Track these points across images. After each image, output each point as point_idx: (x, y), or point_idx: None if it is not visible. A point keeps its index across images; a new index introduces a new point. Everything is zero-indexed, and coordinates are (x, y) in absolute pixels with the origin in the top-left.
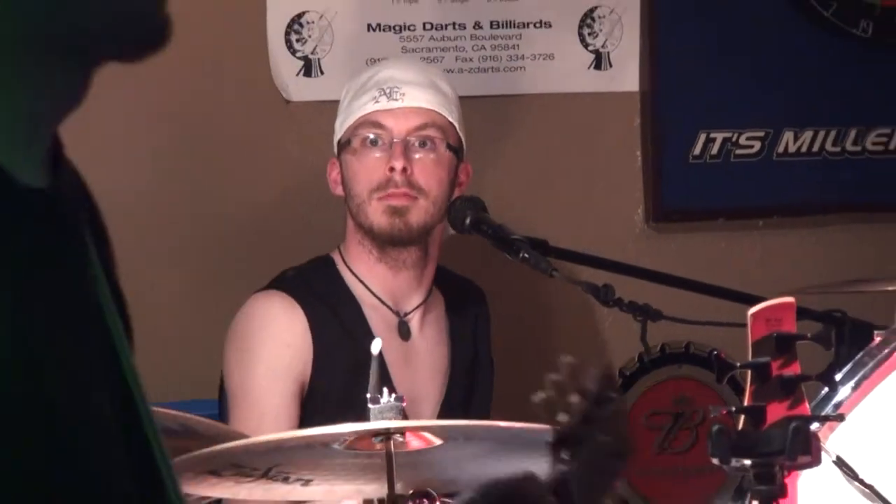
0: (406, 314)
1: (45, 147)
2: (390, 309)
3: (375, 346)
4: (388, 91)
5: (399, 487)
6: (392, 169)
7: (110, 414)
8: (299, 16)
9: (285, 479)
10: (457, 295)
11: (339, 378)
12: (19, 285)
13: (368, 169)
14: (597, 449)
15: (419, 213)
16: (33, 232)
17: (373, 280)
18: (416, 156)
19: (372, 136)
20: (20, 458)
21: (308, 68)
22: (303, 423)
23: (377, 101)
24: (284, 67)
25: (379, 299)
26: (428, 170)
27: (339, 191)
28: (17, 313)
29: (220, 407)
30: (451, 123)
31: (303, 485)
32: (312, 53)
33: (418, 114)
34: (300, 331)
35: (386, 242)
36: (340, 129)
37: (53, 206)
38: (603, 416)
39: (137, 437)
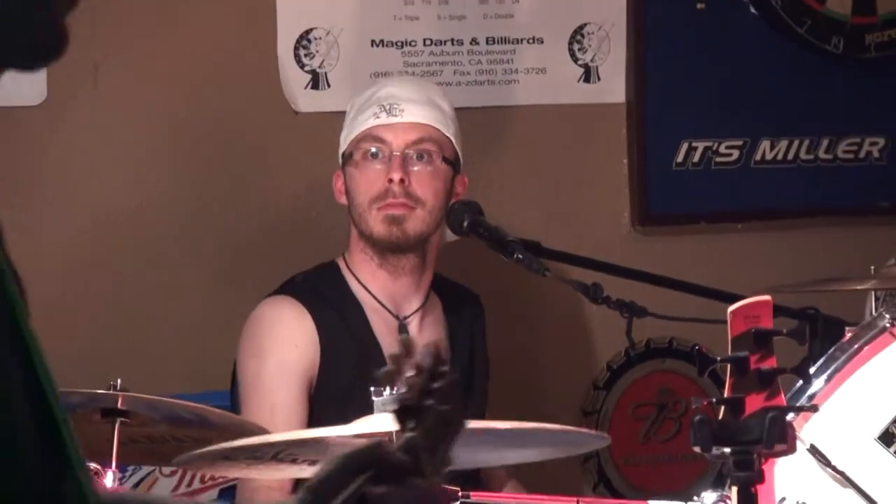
0: (405, 317)
1: None
2: (390, 312)
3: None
4: (388, 107)
5: None
6: (391, 180)
7: (13, 369)
8: (307, 32)
9: (293, 461)
10: (454, 300)
11: (344, 375)
12: None
13: (369, 180)
14: (437, 416)
15: (416, 222)
16: None
17: (374, 285)
18: (414, 168)
19: (373, 149)
20: None
21: (316, 81)
22: (311, 415)
23: (377, 117)
24: (293, 81)
25: (380, 303)
26: (425, 181)
27: (343, 200)
28: None
29: (232, 399)
30: (447, 138)
31: (310, 464)
32: (320, 67)
33: (416, 129)
34: (308, 332)
35: (385, 249)
36: (344, 142)
37: None
38: (438, 389)
39: (36, 389)
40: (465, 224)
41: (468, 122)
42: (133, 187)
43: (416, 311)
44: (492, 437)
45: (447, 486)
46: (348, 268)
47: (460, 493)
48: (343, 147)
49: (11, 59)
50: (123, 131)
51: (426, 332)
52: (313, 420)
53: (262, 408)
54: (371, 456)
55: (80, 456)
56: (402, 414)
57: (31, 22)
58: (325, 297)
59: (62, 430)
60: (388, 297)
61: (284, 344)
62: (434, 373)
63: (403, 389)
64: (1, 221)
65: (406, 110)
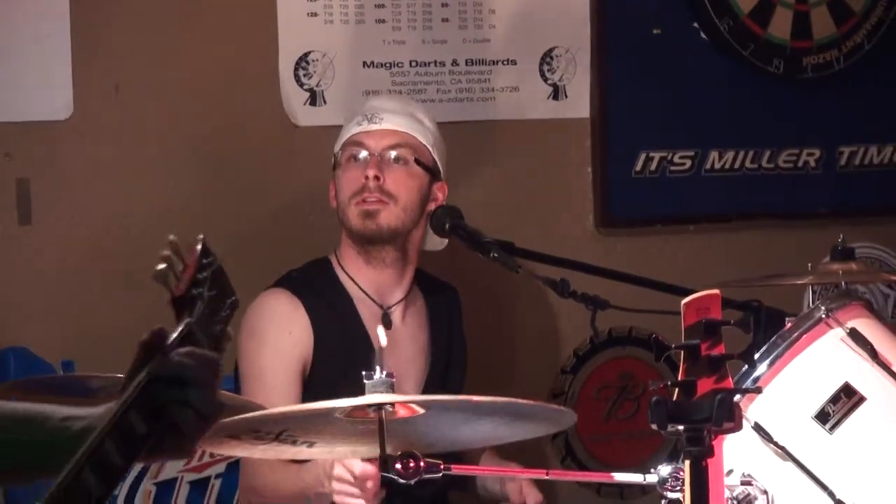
0: (389, 307)
1: None
2: (375, 302)
3: (382, 338)
4: (370, 116)
5: (389, 449)
6: (366, 177)
7: None
8: (306, 55)
9: (293, 442)
10: (435, 293)
11: (336, 360)
12: None
13: (349, 180)
14: (207, 300)
15: (389, 216)
16: None
17: (361, 278)
18: (389, 168)
19: (354, 153)
20: None
21: (314, 98)
22: (306, 397)
23: (360, 125)
24: (293, 98)
25: (366, 294)
26: (399, 179)
27: (334, 204)
28: None
29: (235, 384)
30: (423, 145)
31: (308, 446)
32: (317, 86)
33: (393, 135)
34: (302, 321)
35: (363, 241)
36: (336, 150)
37: None
38: (206, 277)
39: None
40: (447, 226)
41: (449, 136)
42: (148, 193)
43: (399, 301)
44: (471, 411)
45: (430, 460)
46: (339, 263)
47: (442, 466)
48: (334, 155)
49: None
50: (140, 144)
51: (409, 322)
52: (306, 401)
53: (261, 390)
54: (153, 342)
55: None
56: (178, 304)
57: None
58: (318, 289)
59: None
60: (373, 288)
61: (280, 332)
62: (200, 265)
63: (176, 283)
64: None
65: (385, 119)
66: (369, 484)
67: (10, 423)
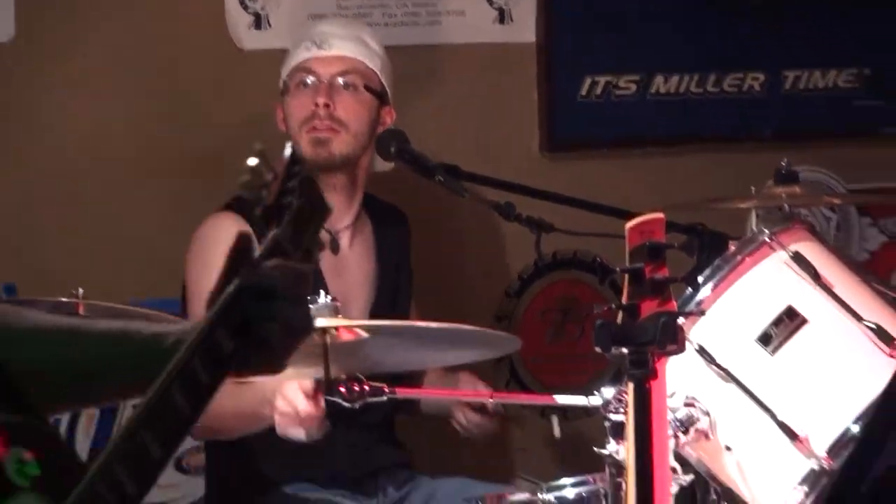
0: (337, 231)
1: None
2: (325, 228)
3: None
4: (318, 42)
5: (333, 371)
6: (317, 104)
7: None
8: None
9: None
10: (383, 217)
11: None
12: None
13: (299, 106)
14: (296, 211)
15: (340, 144)
16: None
17: None
18: (340, 95)
19: (304, 79)
20: None
21: (258, 22)
22: None
23: (309, 50)
24: (238, 22)
25: None
26: (349, 107)
27: (283, 128)
28: None
29: (182, 306)
30: (372, 70)
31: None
32: (262, 9)
33: (343, 61)
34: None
35: (313, 169)
36: (283, 75)
37: None
38: (294, 187)
39: None
40: (393, 150)
41: (395, 60)
42: (93, 118)
43: (347, 226)
44: (416, 336)
45: (374, 383)
46: None
47: (386, 389)
48: (282, 80)
49: None
50: (84, 69)
51: (356, 247)
52: None
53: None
54: (238, 257)
55: None
56: (266, 215)
57: None
58: None
59: None
60: None
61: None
62: (289, 173)
63: (264, 194)
64: None
65: (334, 45)
66: (311, 419)
67: (98, 341)
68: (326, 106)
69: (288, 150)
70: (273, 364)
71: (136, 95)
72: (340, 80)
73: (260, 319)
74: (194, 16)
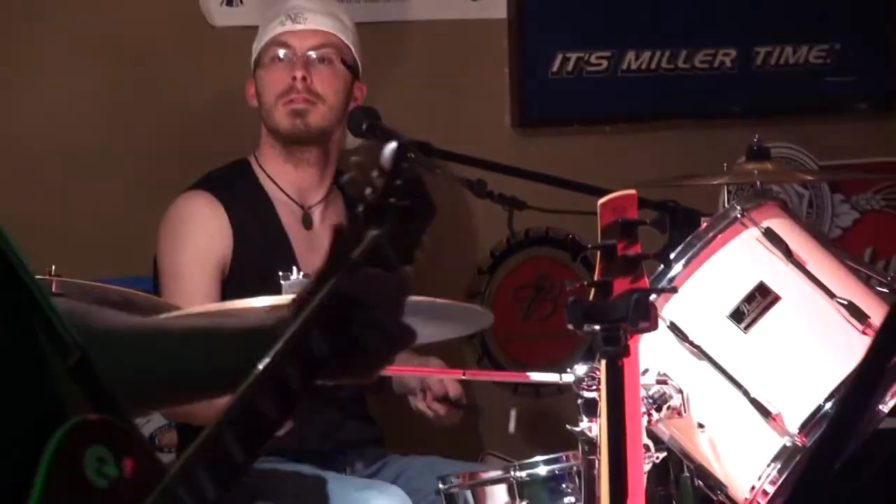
0: (310, 207)
1: None
2: (296, 202)
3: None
4: (293, 16)
5: None
6: (294, 77)
7: None
8: None
9: None
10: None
11: (254, 261)
12: None
13: (275, 80)
14: (401, 212)
15: (317, 116)
16: None
17: (282, 178)
18: (315, 68)
19: (280, 52)
20: None
21: None
22: (225, 297)
23: (283, 24)
24: None
25: (286, 195)
26: (325, 79)
27: (254, 103)
28: None
29: (154, 283)
30: (346, 44)
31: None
32: None
33: (318, 35)
34: (220, 222)
35: (290, 142)
36: (255, 50)
37: None
38: (401, 185)
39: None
40: (364, 127)
41: (368, 36)
42: (63, 96)
43: (320, 202)
44: None
45: None
46: (258, 164)
47: None
48: (254, 54)
49: None
50: (55, 43)
51: (328, 222)
52: (226, 301)
53: (180, 292)
54: (336, 256)
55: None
56: (368, 213)
57: None
58: (237, 190)
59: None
60: (293, 189)
61: (199, 234)
62: (395, 171)
63: (368, 191)
64: None
65: (309, 18)
66: None
67: (183, 341)
68: (304, 79)
69: (393, 146)
70: (367, 372)
71: (107, 72)
72: (314, 54)
73: (357, 326)
74: None
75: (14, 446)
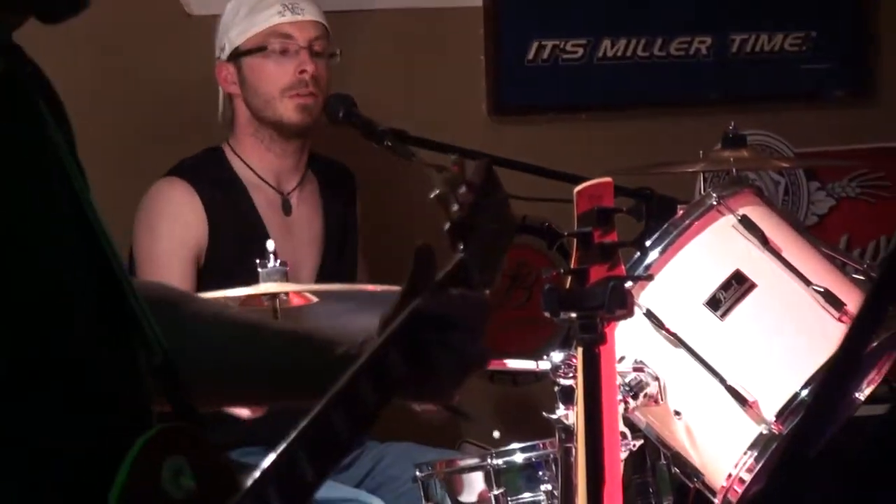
0: (288, 193)
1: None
2: (275, 189)
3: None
4: (290, 7)
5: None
6: (303, 72)
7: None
8: None
9: None
10: (330, 175)
11: (230, 249)
12: None
13: (281, 72)
14: (486, 233)
15: (317, 109)
16: None
17: (260, 165)
18: (315, 61)
19: (283, 44)
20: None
21: None
22: (202, 285)
23: (283, 15)
24: None
25: (265, 181)
26: (322, 72)
27: (232, 90)
28: None
29: (130, 270)
30: (330, 34)
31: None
32: None
33: (315, 26)
34: (196, 209)
35: (292, 134)
36: (240, 37)
37: (9, 83)
38: (489, 205)
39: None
40: (341, 114)
41: (345, 24)
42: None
43: (296, 187)
44: (366, 300)
45: None
46: (234, 151)
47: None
48: (238, 41)
49: (34, 8)
50: (36, 26)
51: (303, 206)
52: (202, 289)
53: (154, 278)
54: (423, 271)
55: (143, 308)
56: (455, 231)
57: None
58: (212, 177)
59: (143, 323)
60: (272, 175)
61: (175, 222)
62: (485, 189)
63: (456, 207)
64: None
65: (306, 9)
66: None
67: (272, 342)
68: (312, 75)
69: (484, 163)
70: (441, 395)
71: (84, 59)
72: (316, 47)
73: (435, 347)
74: None
75: (99, 446)
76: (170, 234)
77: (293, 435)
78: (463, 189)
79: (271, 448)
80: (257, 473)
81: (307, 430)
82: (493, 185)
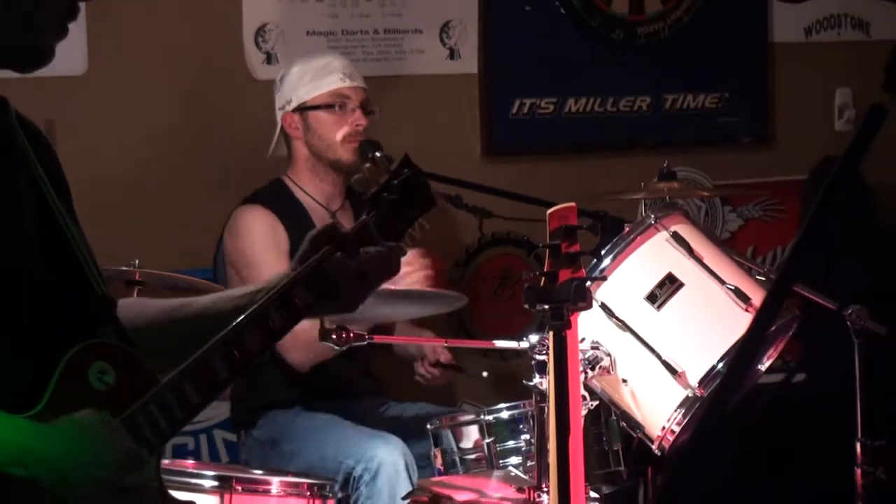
0: (335, 210)
1: None
2: (325, 208)
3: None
4: (349, 74)
5: (326, 323)
6: (358, 125)
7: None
8: (263, 25)
9: None
10: (355, 201)
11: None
12: None
13: (341, 123)
14: (390, 203)
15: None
16: None
17: (315, 191)
18: (365, 116)
19: (344, 103)
20: None
21: (269, 59)
22: None
23: (343, 81)
24: (254, 58)
25: (318, 203)
26: (365, 125)
27: (296, 134)
28: None
29: (215, 273)
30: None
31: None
32: (272, 49)
33: (364, 91)
34: (278, 224)
35: (345, 169)
36: (308, 95)
37: None
38: (396, 183)
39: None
40: (371, 155)
41: (372, 86)
42: (145, 132)
43: (339, 207)
44: (389, 296)
45: (358, 331)
46: (293, 181)
47: (367, 336)
48: (306, 98)
49: (9, 64)
50: (138, 91)
51: (344, 220)
52: None
53: (258, 276)
54: (328, 232)
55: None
56: (364, 204)
57: (29, 44)
58: (280, 202)
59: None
60: (323, 198)
61: (271, 234)
62: (394, 174)
63: (373, 190)
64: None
65: (356, 77)
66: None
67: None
68: (364, 128)
69: (401, 159)
70: (348, 307)
71: (174, 113)
72: (364, 105)
73: (335, 274)
74: (221, 53)
75: (49, 351)
76: (268, 241)
77: (208, 345)
78: (383, 176)
79: (305, 407)
80: (177, 371)
81: (221, 341)
82: (403, 171)
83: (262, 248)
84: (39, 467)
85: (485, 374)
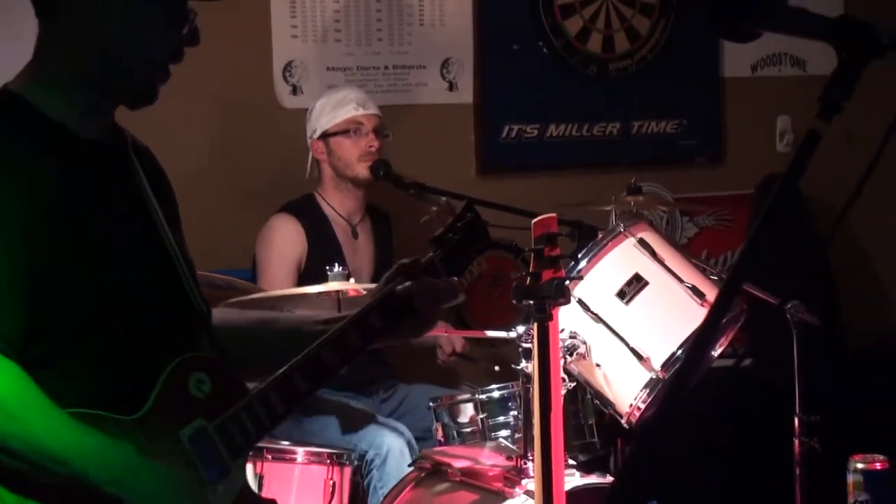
0: (355, 224)
1: (103, 123)
2: (347, 221)
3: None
4: (363, 104)
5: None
6: (371, 146)
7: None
8: (290, 62)
9: (281, 310)
10: (377, 214)
11: (319, 261)
12: (85, 185)
13: (357, 146)
14: (454, 243)
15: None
16: (90, 158)
17: (339, 206)
18: (378, 139)
19: (359, 128)
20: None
21: (295, 90)
22: (301, 282)
23: (357, 109)
24: (282, 90)
25: (342, 217)
26: (380, 146)
27: (321, 157)
28: (81, 204)
29: (253, 274)
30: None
31: (289, 312)
32: (297, 82)
33: (377, 117)
34: (300, 234)
35: (361, 185)
36: (328, 124)
37: (106, 149)
38: (461, 227)
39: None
40: (381, 173)
41: (383, 114)
42: (181, 155)
43: (360, 221)
44: None
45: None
46: (321, 196)
47: None
48: (327, 126)
49: (123, 101)
50: (182, 118)
51: (363, 234)
52: (301, 285)
53: (268, 279)
54: (412, 265)
55: None
56: (431, 242)
57: (144, 91)
58: (307, 213)
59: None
60: (346, 213)
61: (285, 241)
62: (459, 217)
63: (439, 231)
64: (167, 180)
65: (370, 106)
66: None
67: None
68: (376, 149)
69: (464, 205)
70: (418, 333)
71: (214, 136)
72: (377, 130)
73: (410, 304)
74: (254, 84)
75: (156, 363)
76: (281, 250)
77: (295, 361)
78: (449, 218)
79: (335, 389)
80: (263, 385)
81: (303, 359)
82: (467, 215)
83: (270, 260)
84: (131, 495)
85: (497, 368)
